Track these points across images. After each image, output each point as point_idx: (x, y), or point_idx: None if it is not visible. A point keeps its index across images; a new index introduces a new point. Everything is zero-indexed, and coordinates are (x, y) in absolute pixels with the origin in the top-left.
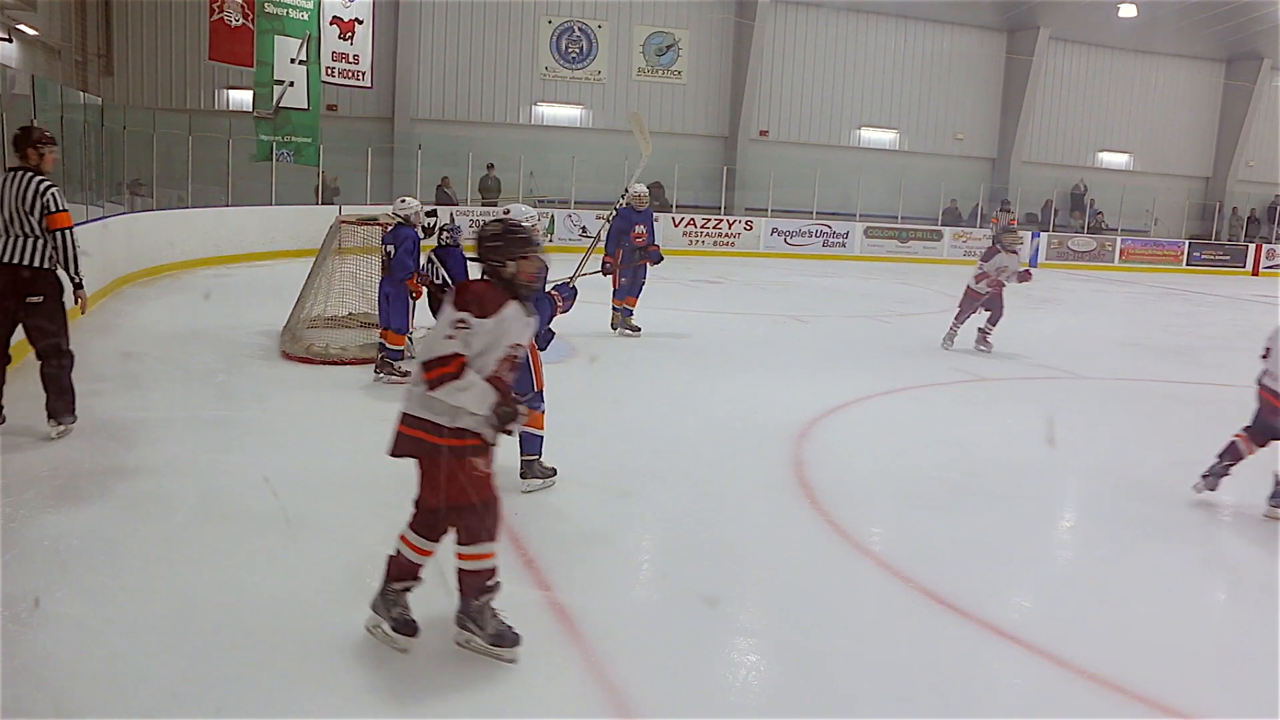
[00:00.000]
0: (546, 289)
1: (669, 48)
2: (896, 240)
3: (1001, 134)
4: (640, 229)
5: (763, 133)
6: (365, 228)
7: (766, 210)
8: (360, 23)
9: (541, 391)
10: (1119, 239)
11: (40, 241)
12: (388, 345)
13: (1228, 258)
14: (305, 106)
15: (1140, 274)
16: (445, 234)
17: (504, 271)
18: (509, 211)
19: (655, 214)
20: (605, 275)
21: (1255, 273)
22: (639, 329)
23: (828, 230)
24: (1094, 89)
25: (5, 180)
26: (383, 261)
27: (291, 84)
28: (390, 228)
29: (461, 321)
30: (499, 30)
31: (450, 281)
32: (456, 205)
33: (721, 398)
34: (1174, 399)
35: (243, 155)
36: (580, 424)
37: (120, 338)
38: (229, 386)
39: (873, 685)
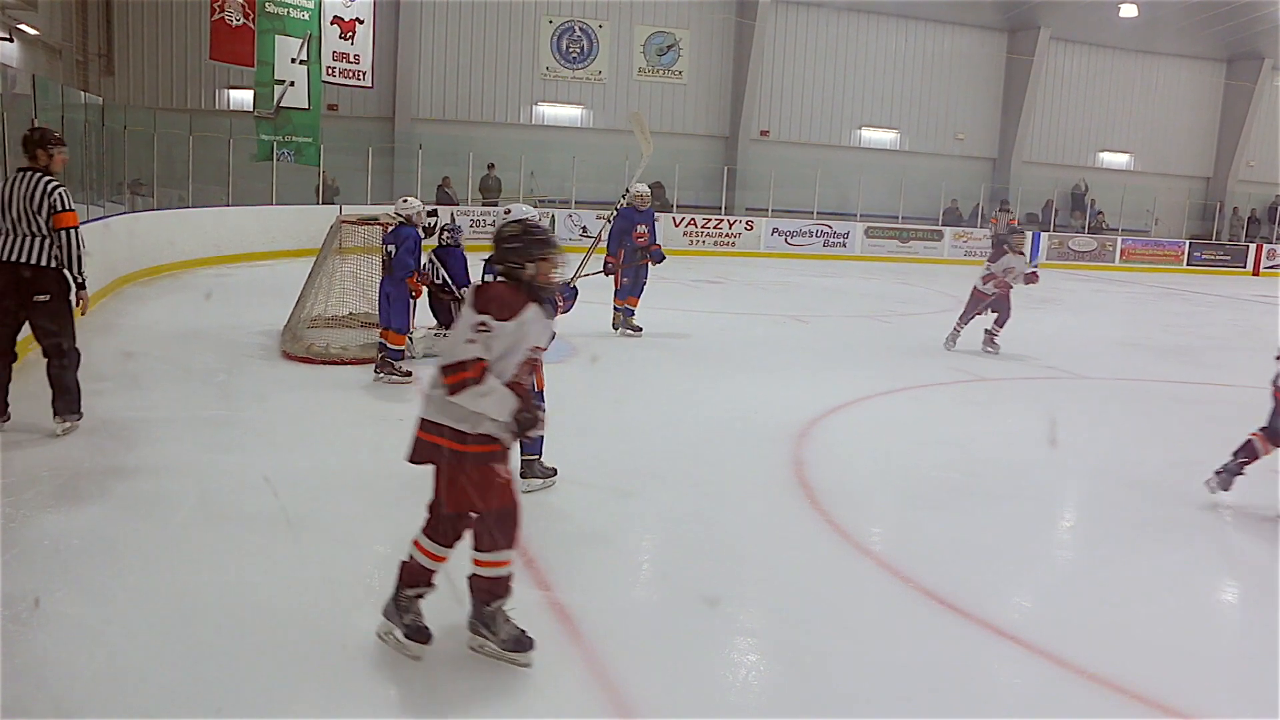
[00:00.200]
0: None
1: (670, 48)
2: (897, 240)
3: (1002, 134)
4: (642, 229)
5: (763, 133)
6: (366, 227)
7: (767, 210)
8: (361, 22)
9: (542, 391)
10: (1119, 239)
11: (47, 241)
12: (388, 345)
13: (1228, 258)
14: (306, 106)
15: (1141, 274)
16: (446, 234)
17: (523, 273)
18: (509, 211)
19: (656, 214)
20: (607, 275)
21: (1256, 273)
22: (640, 329)
23: (828, 230)
24: (1095, 89)
25: (14, 180)
26: (383, 261)
27: (292, 84)
28: (391, 228)
29: (482, 324)
30: (500, 30)
31: (450, 281)
32: (457, 205)
33: (722, 398)
34: (1174, 399)
35: (243, 155)
36: (580, 424)
37: (121, 337)
38: (229, 386)
39: (873, 685)
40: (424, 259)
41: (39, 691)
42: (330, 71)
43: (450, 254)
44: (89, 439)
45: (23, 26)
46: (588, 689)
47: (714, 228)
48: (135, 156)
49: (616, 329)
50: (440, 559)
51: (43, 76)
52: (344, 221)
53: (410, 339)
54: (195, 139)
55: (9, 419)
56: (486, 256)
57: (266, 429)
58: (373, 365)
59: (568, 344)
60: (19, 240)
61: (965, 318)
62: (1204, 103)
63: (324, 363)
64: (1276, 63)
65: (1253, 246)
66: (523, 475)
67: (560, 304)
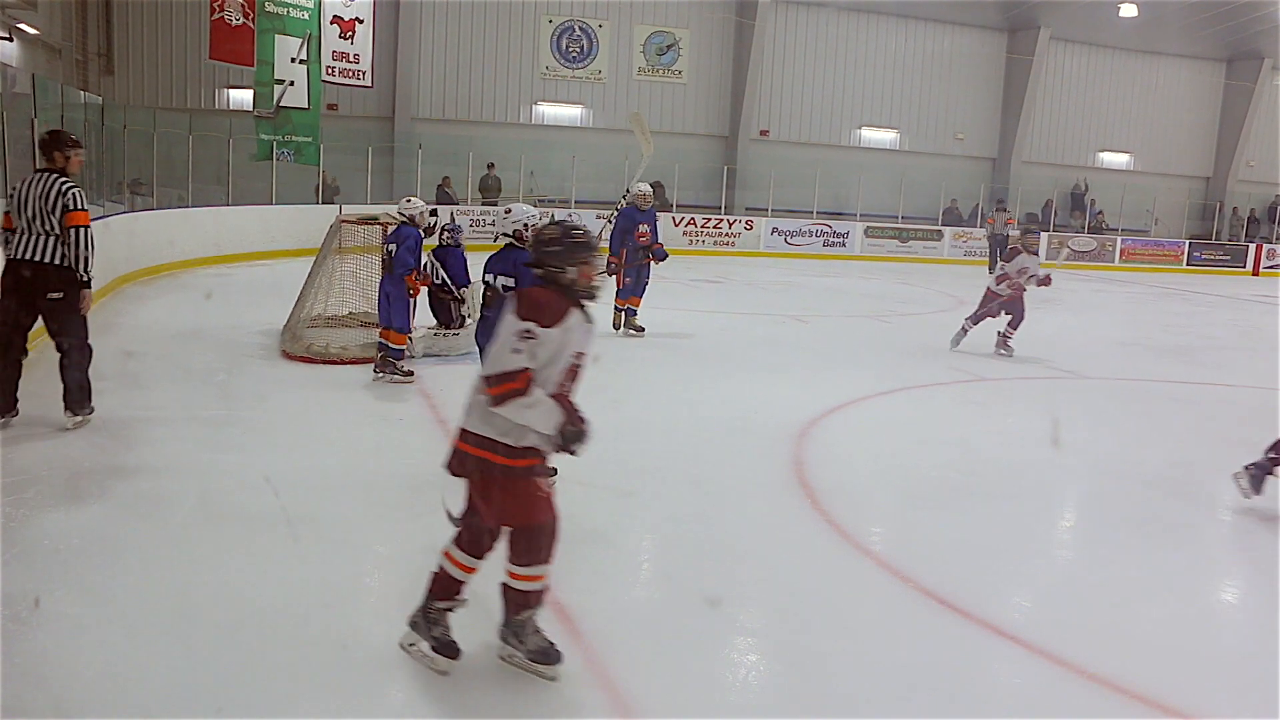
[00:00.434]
0: None
1: (669, 47)
2: (897, 240)
3: (1002, 134)
4: (644, 228)
5: (763, 132)
6: (365, 227)
7: (767, 210)
8: (361, 22)
9: None
10: (1119, 239)
11: (60, 240)
12: (389, 345)
13: (1228, 258)
14: (306, 106)
15: (1140, 274)
16: (446, 234)
17: (563, 277)
18: (509, 211)
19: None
20: (610, 275)
21: (1255, 273)
22: (643, 329)
23: (828, 230)
24: (1095, 89)
25: (31, 181)
26: (383, 260)
27: (292, 83)
28: (393, 227)
29: (527, 332)
30: (499, 30)
31: (450, 281)
32: (457, 205)
33: (721, 398)
34: (1174, 399)
35: (243, 154)
36: None
37: (121, 337)
38: (229, 386)
39: (873, 685)
40: (424, 259)
41: (39, 690)
42: (330, 71)
43: (450, 254)
44: (89, 438)
45: (23, 26)
46: (587, 688)
47: (714, 227)
48: (135, 156)
49: (618, 329)
50: (471, 570)
51: (42, 76)
52: (344, 221)
53: (410, 339)
54: (195, 138)
55: (17, 414)
56: (488, 256)
57: (266, 429)
58: (372, 365)
59: None
60: (33, 239)
61: (976, 318)
62: (1204, 103)
63: (324, 362)
64: (1276, 62)
65: (1252, 246)
66: None
67: None
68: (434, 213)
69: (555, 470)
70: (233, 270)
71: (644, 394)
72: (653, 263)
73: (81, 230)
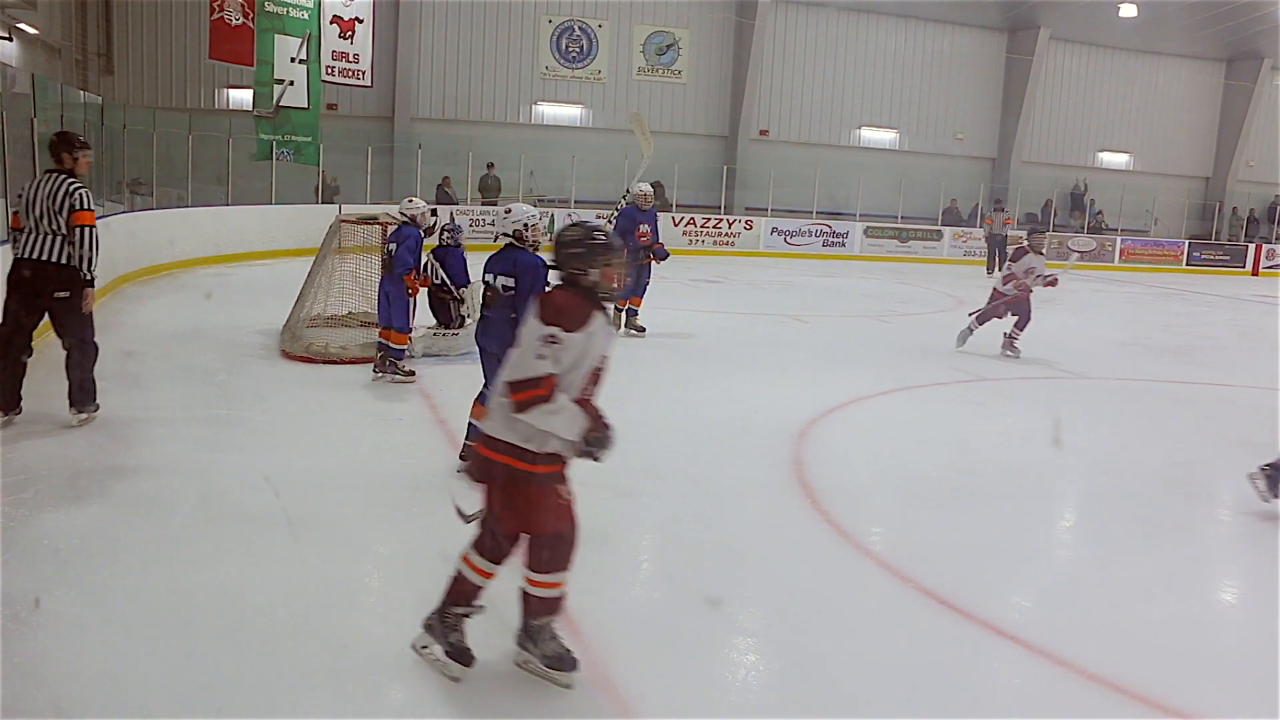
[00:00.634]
0: (546, 289)
1: (669, 47)
2: (896, 240)
3: (1002, 134)
4: (645, 228)
5: (763, 132)
6: (365, 227)
7: (766, 210)
8: (360, 22)
9: None
10: (1119, 239)
11: (67, 239)
12: (390, 345)
13: (1227, 258)
14: (305, 105)
15: (1140, 274)
16: (446, 234)
17: (585, 279)
18: (509, 211)
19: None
20: None
21: (1255, 273)
22: (644, 329)
23: (827, 230)
24: (1094, 89)
25: (40, 181)
26: (383, 260)
27: (291, 83)
28: (394, 227)
29: (552, 337)
30: (499, 29)
31: (449, 281)
32: (456, 204)
33: (721, 397)
34: (1174, 399)
35: (243, 154)
36: None
37: (120, 337)
38: (229, 386)
39: (872, 685)
40: (424, 259)
41: (38, 690)
42: (330, 71)
43: (449, 254)
44: (88, 438)
45: (22, 26)
46: (587, 688)
47: (713, 227)
48: (134, 156)
49: (618, 330)
50: (489, 575)
51: (42, 75)
52: (343, 221)
53: (410, 339)
54: (194, 138)
55: (20, 412)
56: (489, 256)
57: (266, 429)
58: (372, 365)
59: None
60: (41, 239)
61: (983, 318)
62: (1203, 103)
63: (323, 362)
64: (1276, 62)
65: (1252, 246)
66: None
67: None
68: (434, 213)
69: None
70: (232, 270)
71: (644, 394)
72: (654, 262)
73: (88, 230)
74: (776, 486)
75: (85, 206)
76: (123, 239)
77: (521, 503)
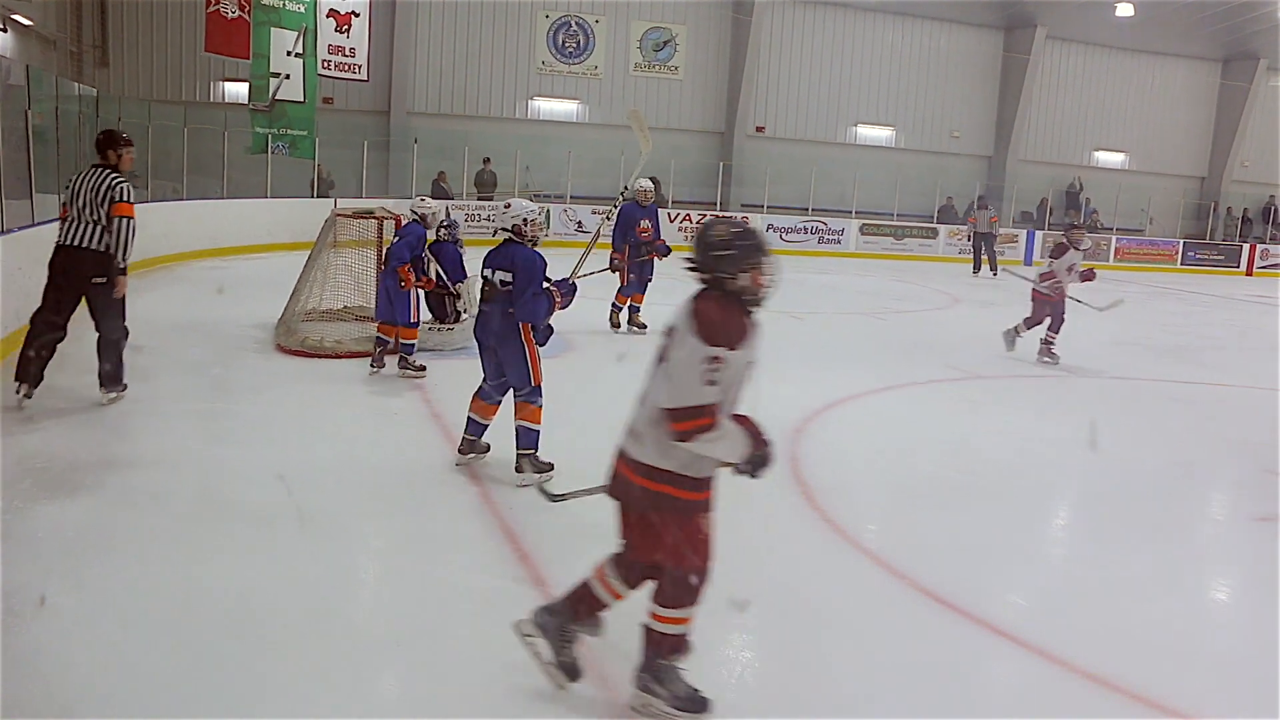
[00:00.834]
0: (545, 285)
1: (666, 43)
2: (892, 237)
3: (998, 132)
4: (645, 224)
5: (759, 129)
6: (360, 221)
7: (762, 206)
8: (357, 16)
9: (539, 386)
10: (1114, 238)
11: (105, 229)
12: (401, 340)
13: (1222, 258)
14: (301, 99)
15: (1135, 273)
16: (443, 229)
17: (733, 283)
18: (509, 206)
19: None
20: (614, 272)
21: (1249, 273)
22: (645, 326)
23: (823, 227)
24: (1090, 88)
25: (85, 174)
26: (385, 256)
27: (287, 76)
28: (405, 223)
29: (717, 359)
30: (495, 24)
31: (444, 276)
32: (452, 199)
33: None
34: (1173, 399)
35: (238, 148)
36: (576, 419)
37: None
38: (224, 379)
39: (870, 683)
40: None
41: (34, 685)
42: (326, 65)
43: (444, 249)
44: (84, 430)
45: (17, 17)
46: (585, 686)
47: None
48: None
49: (619, 327)
50: (619, 597)
51: (37, 67)
52: (339, 215)
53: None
54: (190, 131)
55: (39, 384)
56: (488, 251)
57: (261, 422)
58: (369, 359)
59: (563, 340)
60: (82, 227)
61: (1031, 322)
62: (1199, 102)
63: (318, 356)
64: (1272, 63)
65: (1246, 246)
66: (518, 469)
67: (559, 300)
68: (447, 214)
69: (551, 465)
70: (227, 263)
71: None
72: (656, 259)
73: (125, 220)
74: (772, 484)
75: (125, 199)
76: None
77: (665, 533)
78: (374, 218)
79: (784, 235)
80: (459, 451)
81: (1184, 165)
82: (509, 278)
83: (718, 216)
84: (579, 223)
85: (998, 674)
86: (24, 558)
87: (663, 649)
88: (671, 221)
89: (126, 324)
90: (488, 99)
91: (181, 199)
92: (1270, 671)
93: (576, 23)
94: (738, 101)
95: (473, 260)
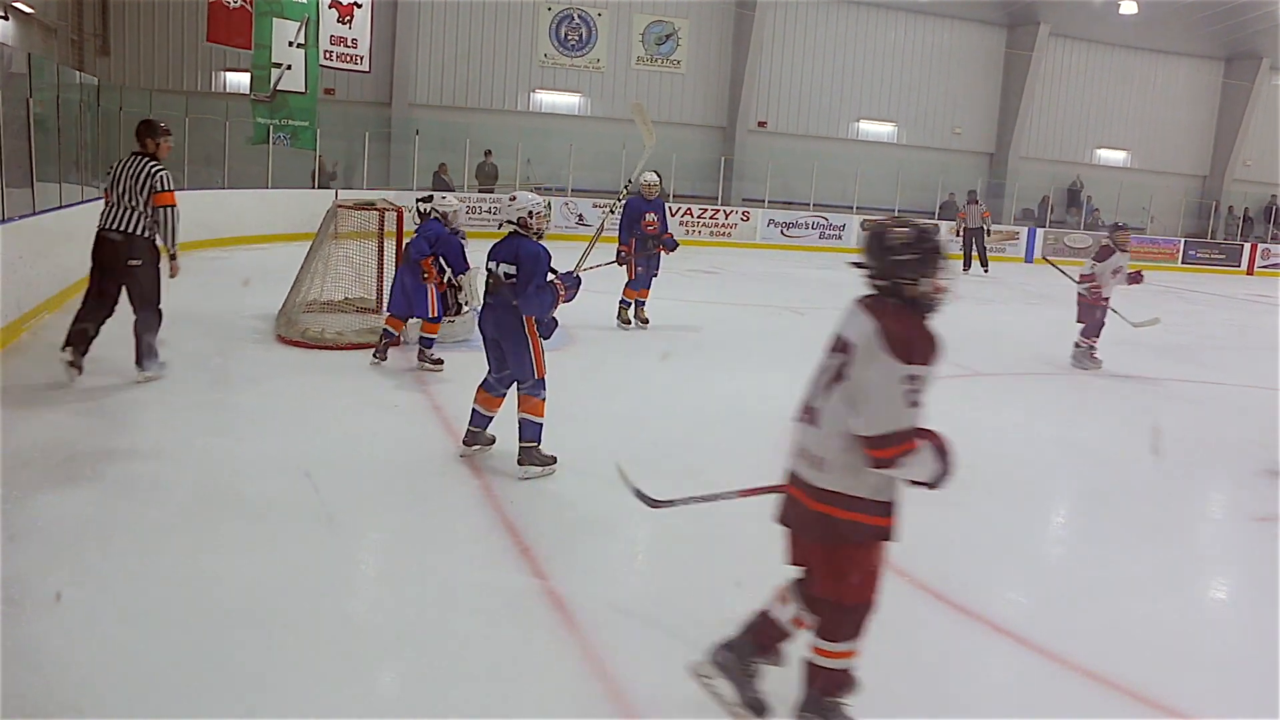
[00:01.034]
0: (550, 278)
1: (668, 37)
2: None
3: (1000, 129)
4: (651, 217)
5: (761, 123)
6: (362, 212)
7: (763, 201)
8: (359, 7)
9: (542, 379)
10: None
11: (143, 214)
12: (422, 334)
13: (1223, 257)
14: (303, 90)
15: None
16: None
17: (913, 289)
18: (514, 199)
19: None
20: (620, 266)
21: (1250, 272)
22: (648, 321)
23: (824, 222)
24: (1093, 86)
25: (126, 162)
26: (402, 251)
27: (289, 67)
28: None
29: (917, 378)
30: (498, 17)
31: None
32: (453, 191)
33: (718, 388)
34: (1173, 398)
35: (239, 138)
36: (578, 413)
37: (115, 320)
38: (225, 370)
39: (871, 683)
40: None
41: (32, 676)
42: (328, 55)
43: (447, 241)
44: (82, 420)
45: (18, 5)
46: (583, 680)
47: (710, 218)
48: (130, 138)
49: (625, 321)
50: (803, 626)
51: (38, 55)
52: (340, 206)
53: (406, 325)
54: (191, 121)
55: (81, 371)
56: (492, 244)
57: (262, 414)
58: (373, 350)
59: (566, 333)
60: (122, 212)
61: (1088, 332)
62: (1201, 101)
63: (319, 348)
64: (1274, 62)
65: (1247, 246)
66: (520, 462)
67: (563, 293)
68: (428, 199)
69: (554, 459)
70: (228, 254)
71: (640, 384)
72: (663, 253)
73: (169, 210)
74: (773, 478)
75: (166, 188)
76: None
77: (845, 564)
78: (375, 209)
79: (785, 230)
80: (464, 443)
81: (1186, 164)
82: (513, 270)
83: (890, 217)
84: (580, 215)
85: (997, 672)
86: (23, 548)
87: (830, 686)
88: (673, 215)
89: (161, 307)
90: (489, 91)
91: (182, 189)
92: (1270, 671)
93: (579, 15)
94: (740, 96)
95: (474, 252)
